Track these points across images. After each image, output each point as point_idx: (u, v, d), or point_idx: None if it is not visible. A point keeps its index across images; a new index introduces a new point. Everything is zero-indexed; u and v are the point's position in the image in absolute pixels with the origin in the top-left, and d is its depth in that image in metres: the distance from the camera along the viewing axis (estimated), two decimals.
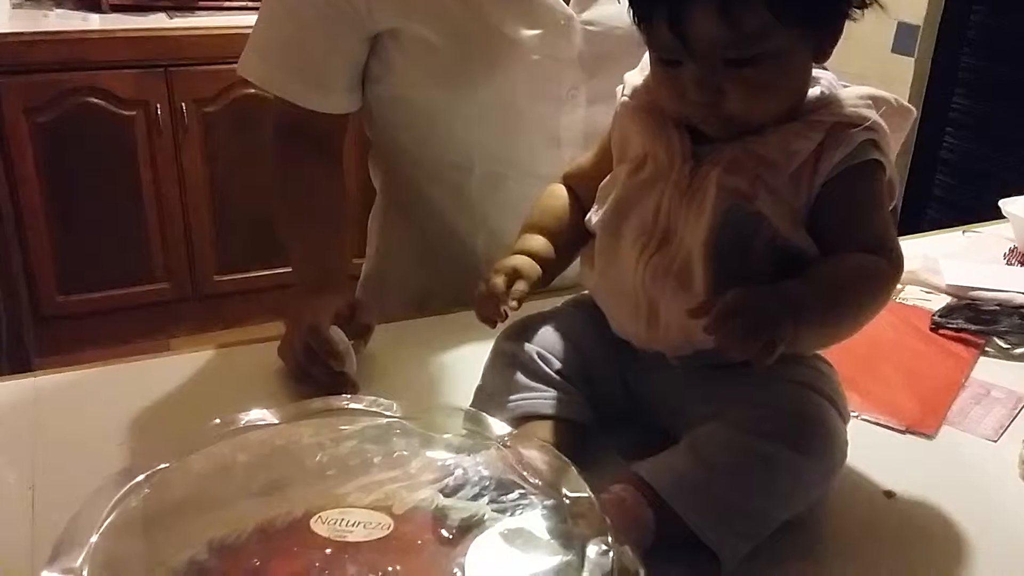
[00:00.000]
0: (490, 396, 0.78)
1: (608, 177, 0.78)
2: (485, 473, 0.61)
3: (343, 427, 0.65)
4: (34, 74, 2.23)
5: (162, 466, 0.60)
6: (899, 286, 1.11)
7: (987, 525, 0.74)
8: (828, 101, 0.71)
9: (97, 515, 0.55)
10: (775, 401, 0.68)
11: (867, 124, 0.69)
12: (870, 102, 0.71)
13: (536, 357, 0.77)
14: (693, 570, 0.65)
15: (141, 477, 0.59)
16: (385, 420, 0.66)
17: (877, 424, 0.86)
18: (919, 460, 0.82)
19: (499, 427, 0.65)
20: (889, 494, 0.77)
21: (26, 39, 2.23)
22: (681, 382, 0.75)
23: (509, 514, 0.57)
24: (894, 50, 2.71)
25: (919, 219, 2.69)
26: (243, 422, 0.65)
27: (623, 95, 0.78)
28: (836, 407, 0.72)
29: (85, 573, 0.51)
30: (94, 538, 0.54)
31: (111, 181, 2.37)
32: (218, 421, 0.65)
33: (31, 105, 2.24)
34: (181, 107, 2.36)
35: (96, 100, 2.29)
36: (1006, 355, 0.99)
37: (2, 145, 2.23)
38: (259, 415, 0.66)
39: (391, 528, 0.57)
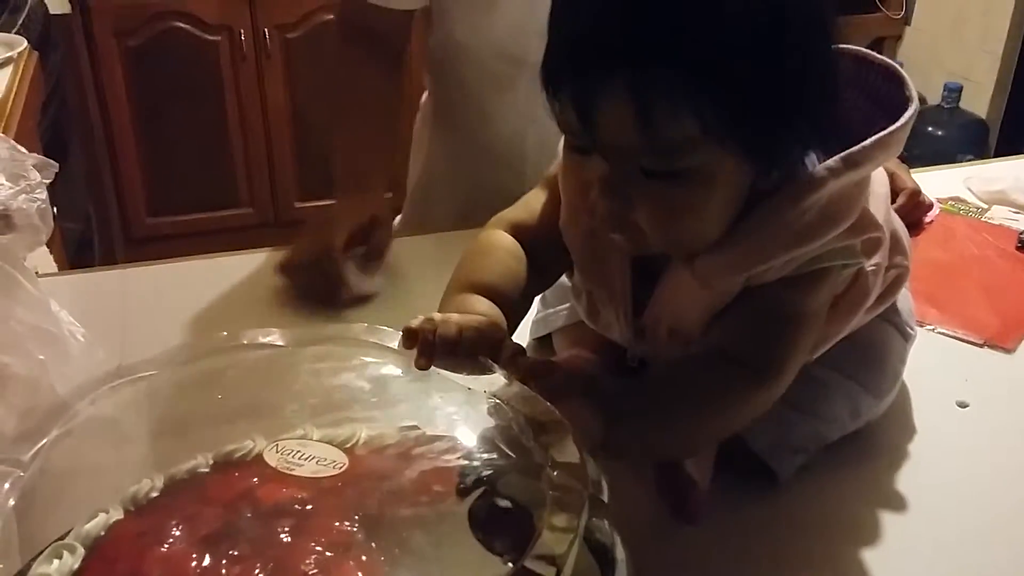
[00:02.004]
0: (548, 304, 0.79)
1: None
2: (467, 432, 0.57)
3: (357, 358, 0.61)
4: None
5: (149, 373, 0.59)
6: (984, 206, 1.08)
7: None
8: (794, 223, 0.56)
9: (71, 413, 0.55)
10: None
11: (814, 253, 0.58)
12: (840, 205, 0.57)
13: None
14: (748, 482, 0.65)
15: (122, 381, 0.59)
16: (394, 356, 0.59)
17: (955, 338, 0.85)
18: (997, 373, 0.81)
19: (506, 380, 0.57)
20: (962, 404, 0.76)
21: None
22: None
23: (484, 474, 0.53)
24: None
25: (1019, 145, 2.57)
26: (245, 340, 0.62)
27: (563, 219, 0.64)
28: (896, 327, 0.71)
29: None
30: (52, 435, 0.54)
31: (197, 106, 2.43)
32: (224, 334, 0.62)
33: (121, 28, 2.29)
34: (264, 33, 2.39)
35: (183, 24, 2.33)
36: None
37: (94, 68, 2.30)
38: (267, 335, 0.62)
39: (343, 468, 0.55)
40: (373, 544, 0.50)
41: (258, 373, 0.61)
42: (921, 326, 0.85)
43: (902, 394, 0.75)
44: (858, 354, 0.68)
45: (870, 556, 0.61)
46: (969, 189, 1.11)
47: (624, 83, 0.50)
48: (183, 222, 2.52)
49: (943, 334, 0.85)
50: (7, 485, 0.50)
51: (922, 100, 2.65)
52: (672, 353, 0.63)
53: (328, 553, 0.50)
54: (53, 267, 1.21)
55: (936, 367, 0.79)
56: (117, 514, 0.55)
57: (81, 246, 1.98)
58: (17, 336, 0.72)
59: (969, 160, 2.54)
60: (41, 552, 0.51)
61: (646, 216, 0.55)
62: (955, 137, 2.56)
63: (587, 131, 0.54)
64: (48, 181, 0.92)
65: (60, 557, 0.51)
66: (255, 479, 0.56)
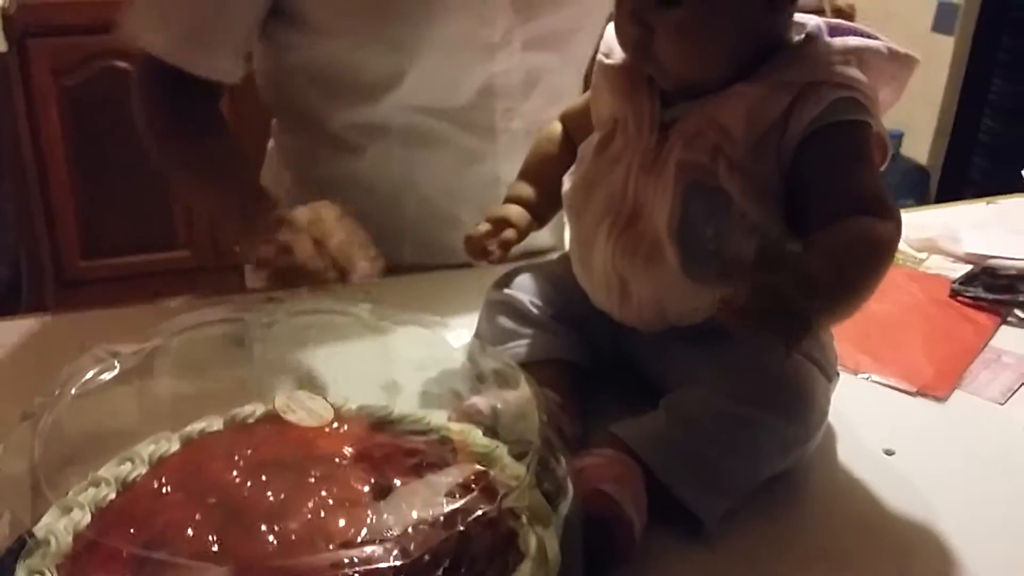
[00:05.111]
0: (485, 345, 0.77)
1: (587, 139, 0.75)
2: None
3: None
4: (62, 36, 2.24)
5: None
6: (923, 255, 1.09)
7: (989, 485, 0.72)
8: (804, 55, 0.65)
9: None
10: (753, 363, 0.67)
11: (840, 81, 0.64)
12: (851, 58, 0.65)
13: (528, 304, 0.76)
14: (674, 530, 0.64)
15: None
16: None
17: (888, 386, 0.84)
18: (925, 421, 0.80)
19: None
20: (889, 452, 0.75)
21: (54, 1, 2.24)
22: (666, 342, 0.73)
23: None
24: (934, 29, 2.65)
25: (959, 192, 2.63)
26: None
27: (601, 52, 0.74)
28: (820, 367, 0.70)
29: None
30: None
31: (136, 146, 2.37)
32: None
33: (59, 68, 2.25)
34: None
35: (123, 64, 2.29)
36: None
37: (29, 108, 2.25)
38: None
39: (322, 424, 0.60)
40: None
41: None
42: (855, 374, 0.84)
43: (830, 441, 0.74)
44: (783, 391, 0.67)
45: None
46: None
47: None
48: (118, 265, 2.46)
49: (877, 382, 0.84)
50: None
51: None
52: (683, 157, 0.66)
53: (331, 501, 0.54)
54: None
55: (865, 415, 0.78)
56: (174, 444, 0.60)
57: (9, 291, 1.92)
58: None
59: (909, 206, 2.59)
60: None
61: (663, 42, 0.64)
62: (896, 184, 2.61)
63: None
64: None
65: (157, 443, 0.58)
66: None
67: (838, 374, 0.74)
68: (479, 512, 0.47)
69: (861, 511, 0.69)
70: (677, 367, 0.71)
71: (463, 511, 0.47)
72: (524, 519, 0.51)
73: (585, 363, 0.76)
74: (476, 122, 0.99)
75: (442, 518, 0.47)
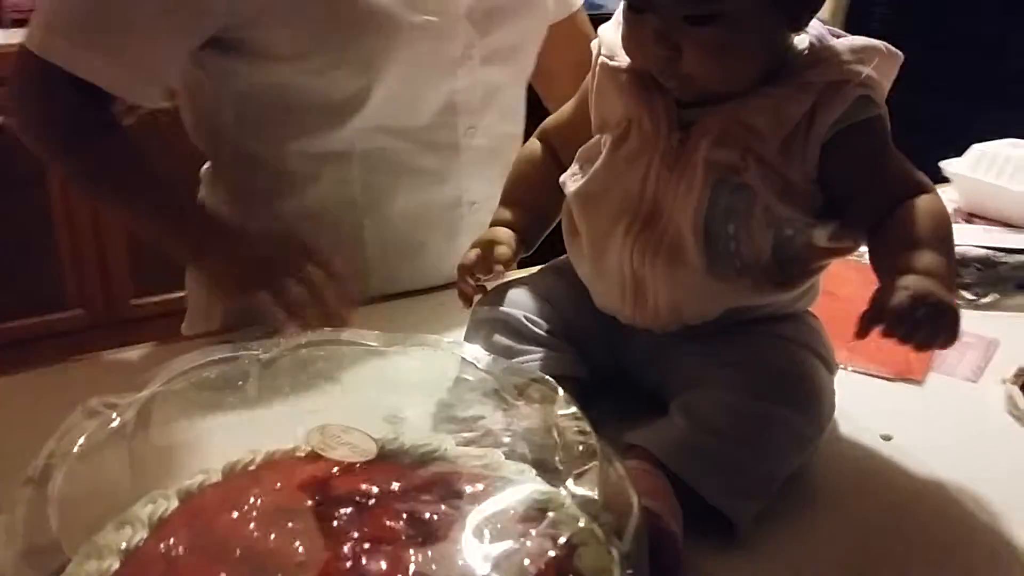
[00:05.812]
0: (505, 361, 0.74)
1: (590, 143, 0.73)
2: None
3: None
4: None
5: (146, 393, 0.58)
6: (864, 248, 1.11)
7: (978, 458, 0.74)
8: (819, 58, 0.67)
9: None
10: (764, 360, 0.67)
11: (860, 80, 0.65)
12: (862, 56, 0.67)
13: (524, 320, 0.74)
14: (707, 535, 0.62)
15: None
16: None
17: (868, 374, 0.85)
18: (911, 405, 0.82)
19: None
20: (886, 437, 0.76)
21: None
22: (668, 346, 0.72)
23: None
24: None
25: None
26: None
27: (599, 53, 0.74)
28: (823, 360, 0.71)
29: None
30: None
31: (18, 202, 2.23)
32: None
33: None
34: None
35: None
36: (973, 306, 1.00)
37: None
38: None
39: (368, 457, 0.57)
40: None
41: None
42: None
43: (833, 433, 0.74)
44: (796, 386, 0.67)
45: None
46: None
47: None
48: (5, 329, 2.29)
49: (856, 372, 0.85)
50: None
51: None
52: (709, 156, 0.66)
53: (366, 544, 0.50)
54: None
55: (855, 404, 0.78)
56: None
57: None
58: None
59: None
60: None
61: (692, 59, 0.64)
62: None
63: None
64: None
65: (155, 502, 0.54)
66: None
67: (838, 366, 0.74)
68: (563, 539, 0.43)
69: (882, 498, 0.69)
70: (683, 370, 0.70)
71: (549, 537, 0.43)
72: (598, 536, 0.47)
73: (584, 377, 0.73)
74: (439, 141, 0.97)
75: (533, 550, 0.43)
